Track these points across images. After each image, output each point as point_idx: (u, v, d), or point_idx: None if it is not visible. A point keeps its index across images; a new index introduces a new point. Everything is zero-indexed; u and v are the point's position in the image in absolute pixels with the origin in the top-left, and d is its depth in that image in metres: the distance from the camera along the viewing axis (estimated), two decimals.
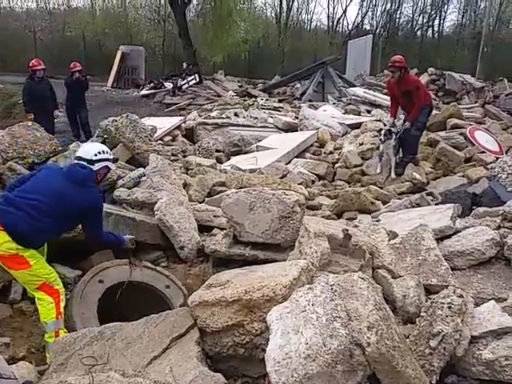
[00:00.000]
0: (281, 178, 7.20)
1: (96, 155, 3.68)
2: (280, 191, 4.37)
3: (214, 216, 5.20)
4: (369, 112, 13.89)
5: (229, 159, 9.75)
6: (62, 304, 3.26)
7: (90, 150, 3.76)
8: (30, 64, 9.57)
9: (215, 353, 2.88)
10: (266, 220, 4.24)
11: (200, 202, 5.95)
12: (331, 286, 2.43)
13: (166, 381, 2.57)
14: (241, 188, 6.28)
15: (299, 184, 7.04)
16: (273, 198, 4.27)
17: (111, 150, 7.24)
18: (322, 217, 5.05)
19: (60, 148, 6.61)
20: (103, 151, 3.77)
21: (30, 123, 6.37)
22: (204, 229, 5.16)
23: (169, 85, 19.61)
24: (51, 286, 3.24)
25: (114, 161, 3.93)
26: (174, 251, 4.58)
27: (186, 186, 6.32)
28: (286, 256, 4.17)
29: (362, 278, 2.43)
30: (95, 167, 3.65)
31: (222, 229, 5.11)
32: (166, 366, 2.67)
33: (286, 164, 8.33)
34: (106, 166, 3.78)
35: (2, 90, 15.82)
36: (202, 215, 5.26)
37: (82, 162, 3.64)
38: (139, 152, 7.01)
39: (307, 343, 2.14)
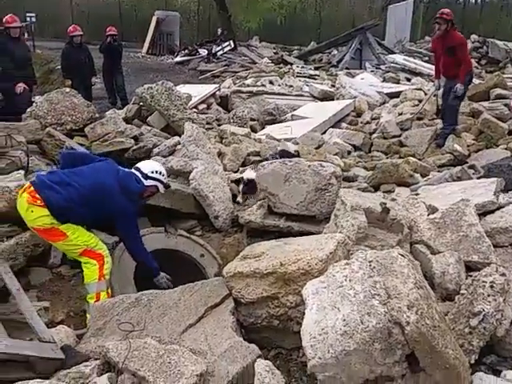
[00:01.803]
0: (316, 148, 7.10)
1: (152, 173, 3.74)
2: (316, 162, 4.29)
3: None
4: (408, 80, 13.44)
5: (263, 128, 9.65)
6: (106, 266, 3.35)
7: (149, 166, 3.84)
8: (68, 30, 9.61)
9: (249, 323, 2.90)
10: (301, 192, 4.19)
11: (234, 172, 5.93)
12: (369, 262, 2.38)
13: (201, 349, 2.60)
14: (275, 158, 6.25)
15: (334, 155, 6.93)
16: (308, 169, 4.20)
17: (146, 117, 7.37)
18: (358, 189, 4.95)
19: (97, 115, 6.66)
20: (160, 172, 3.82)
21: (67, 89, 6.41)
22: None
23: (203, 51, 19.42)
24: (94, 251, 3.32)
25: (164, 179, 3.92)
26: (208, 220, 4.59)
27: (220, 155, 6.30)
28: (321, 228, 4.12)
29: (402, 255, 2.37)
30: (147, 182, 3.69)
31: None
32: (201, 334, 2.70)
33: (322, 134, 8.18)
34: (156, 187, 3.80)
35: (40, 56, 16.04)
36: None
37: (137, 174, 3.70)
38: (174, 120, 7.01)
39: (344, 320, 2.11)
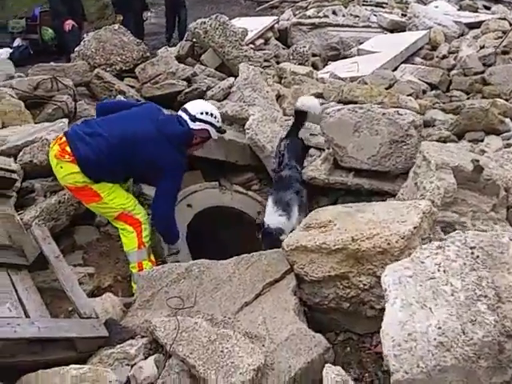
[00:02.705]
0: (387, 88, 6.36)
1: (202, 114, 3.20)
2: (392, 110, 3.70)
3: (311, 134, 4.65)
4: (487, 8, 11.90)
5: (326, 65, 8.89)
6: (146, 233, 3.02)
7: (198, 106, 3.31)
8: None
9: (314, 303, 2.52)
10: (373, 144, 3.64)
11: None
12: (471, 248, 1.88)
13: (258, 333, 2.26)
14: (341, 101, 5.63)
15: (408, 95, 6.17)
16: (383, 118, 3.63)
17: (199, 56, 6.86)
18: (440, 138, 4.32)
19: (148, 54, 6.24)
20: (211, 113, 3.26)
21: (116, 26, 6.00)
22: None
23: None
24: (131, 216, 2.98)
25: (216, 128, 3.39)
26: (266, 173, 4.17)
27: (279, 97, 5.75)
28: (395, 187, 3.61)
29: None
30: (195, 125, 3.17)
31: (319, 149, 4.59)
32: (258, 315, 2.35)
33: (393, 71, 7.35)
34: (207, 131, 3.25)
35: None
36: None
37: (184, 116, 3.19)
38: (229, 58, 6.48)
39: (440, 327, 1.66)
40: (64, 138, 2.89)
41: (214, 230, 3.62)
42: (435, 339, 1.65)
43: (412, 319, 1.77)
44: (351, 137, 3.72)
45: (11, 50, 9.43)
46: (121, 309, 2.63)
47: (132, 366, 2.21)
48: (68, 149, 2.86)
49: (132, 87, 5.63)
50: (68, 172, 2.91)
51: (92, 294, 2.77)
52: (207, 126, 3.24)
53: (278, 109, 4.70)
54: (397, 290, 1.92)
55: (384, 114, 3.63)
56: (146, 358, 2.25)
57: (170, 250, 3.26)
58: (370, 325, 2.42)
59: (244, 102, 4.55)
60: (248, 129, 4.12)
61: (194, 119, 3.17)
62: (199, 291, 2.53)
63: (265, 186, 4.17)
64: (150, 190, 3.61)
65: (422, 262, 1.98)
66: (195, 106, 3.27)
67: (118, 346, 2.27)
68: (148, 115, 3.14)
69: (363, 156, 3.69)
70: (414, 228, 2.35)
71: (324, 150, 4.36)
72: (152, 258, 3.08)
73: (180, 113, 3.25)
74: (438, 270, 1.90)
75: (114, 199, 2.98)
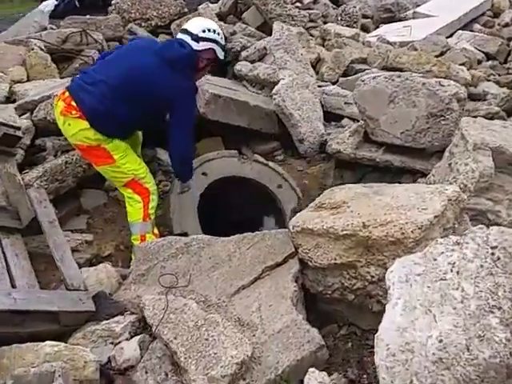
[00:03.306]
0: (438, 56, 5.84)
1: (204, 31, 2.88)
2: (433, 80, 3.31)
3: (346, 103, 4.32)
4: None
5: (377, 27, 8.32)
6: (152, 204, 2.86)
7: (199, 23, 2.99)
8: None
9: (317, 291, 2.30)
10: (409, 117, 3.31)
11: (333, 83, 5.04)
12: (492, 248, 1.60)
13: (251, 321, 2.08)
14: (385, 68, 5.21)
15: (461, 65, 5.65)
16: (422, 88, 3.26)
17: (241, 14, 6.53)
18: (487, 114, 3.89)
19: (185, 10, 5.99)
20: (214, 30, 2.93)
21: None
22: (331, 117, 4.34)
23: None
24: (141, 184, 2.82)
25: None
26: (292, 143, 3.91)
27: (319, 61, 5.39)
28: (429, 166, 3.28)
29: None
30: (199, 46, 2.86)
31: (353, 119, 4.27)
32: (253, 301, 2.17)
33: (447, 37, 6.76)
34: (212, 51, 2.93)
35: None
36: (331, 101, 4.41)
37: (185, 38, 2.89)
38: (272, 17, 6.11)
39: (441, 340, 1.41)
40: (67, 93, 2.72)
41: (228, 202, 3.43)
42: (434, 354, 1.40)
43: (413, 326, 1.53)
44: (385, 108, 3.39)
45: (56, 2, 9.35)
46: (117, 280, 2.51)
47: (116, 345, 2.10)
48: (73, 103, 2.69)
49: None
50: (77, 129, 2.73)
51: (90, 263, 2.67)
52: (212, 45, 2.92)
53: (312, 74, 4.37)
54: (401, 289, 1.67)
55: (424, 83, 3.26)
56: (131, 337, 2.14)
57: (182, 187, 3.19)
58: (376, 320, 2.17)
59: (277, 64, 4.24)
60: (275, 94, 3.86)
61: (196, 39, 2.86)
62: (196, 269, 2.37)
63: (290, 156, 3.91)
64: (164, 155, 3.46)
65: (435, 259, 1.71)
66: (196, 25, 2.95)
67: (104, 322, 2.16)
68: (144, 47, 2.90)
69: (396, 130, 3.37)
70: (435, 217, 2.06)
71: (359, 121, 4.05)
72: (156, 230, 2.93)
73: (180, 35, 2.94)
74: (451, 271, 1.63)
75: (126, 163, 2.82)
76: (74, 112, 2.67)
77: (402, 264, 1.78)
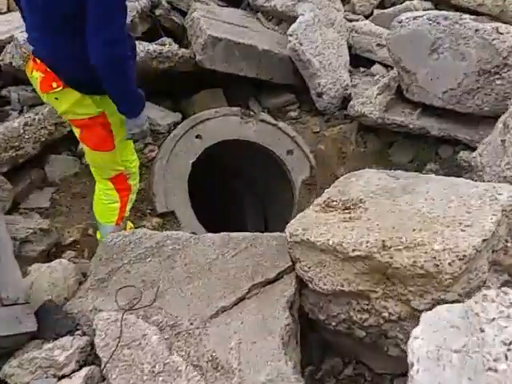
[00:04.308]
0: None
1: None
2: (489, 25, 2.57)
3: (379, 45, 3.57)
4: None
5: None
6: (129, 206, 2.28)
7: None
8: None
9: (318, 319, 1.80)
10: (455, 72, 2.62)
11: (366, 17, 4.24)
12: None
13: (226, 362, 1.60)
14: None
15: None
16: (474, 36, 2.54)
17: None
18: None
19: None
20: None
21: None
22: (360, 62, 3.62)
23: None
24: (126, 180, 2.21)
25: None
26: (309, 97, 3.26)
27: None
28: (475, 136, 2.64)
29: None
30: None
31: (385, 66, 3.55)
32: (234, 332, 1.68)
33: None
34: None
35: None
36: (361, 41, 3.66)
37: None
38: None
39: None
40: (38, 60, 2.05)
41: (227, 172, 2.89)
42: None
43: None
44: (426, 59, 2.69)
45: None
46: (76, 280, 2.04)
47: (60, 379, 1.68)
48: (48, 67, 2.02)
49: None
50: (71, 102, 1.98)
51: (47, 254, 2.21)
52: None
53: (340, 7, 3.59)
54: (429, 373, 1.15)
55: (477, 30, 2.52)
56: (80, 367, 1.71)
57: (130, 127, 2.01)
58: (392, 364, 1.69)
59: None
60: (291, 35, 3.15)
61: None
62: (167, 278, 1.88)
63: (305, 113, 3.27)
64: (153, 110, 2.89)
65: (482, 330, 1.16)
66: None
67: (46, 347, 1.72)
68: None
69: (438, 88, 2.68)
70: (483, 241, 1.48)
71: (392, 69, 3.34)
72: (129, 226, 2.39)
73: None
74: (506, 358, 1.09)
75: (124, 150, 2.15)
76: (54, 84, 2.00)
77: (431, 324, 1.24)
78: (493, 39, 2.48)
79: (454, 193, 1.72)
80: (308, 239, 1.68)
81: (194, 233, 2.64)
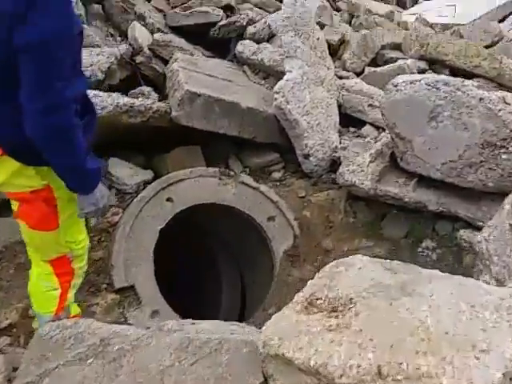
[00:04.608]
0: (488, 46, 4.79)
1: None
2: (495, 94, 2.35)
3: (370, 105, 3.36)
4: None
5: (416, 3, 7.22)
6: (73, 292, 1.91)
7: None
8: None
9: None
10: (456, 143, 2.38)
11: (357, 74, 4.06)
12: None
13: None
14: (423, 59, 4.21)
15: None
16: (479, 105, 2.32)
17: None
18: None
19: None
20: None
21: None
22: (350, 122, 3.40)
23: None
24: (69, 262, 1.84)
25: None
26: (294, 157, 3.00)
27: (342, 43, 4.40)
28: (478, 214, 2.39)
29: None
30: None
31: (377, 127, 3.32)
32: None
33: (500, 22, 5.66)
34: None
35: None
36: (352, 100, 3.44)
37: None
38: None
39: None
40: None
41: (201, 239, 2.58)
42: None
43: None
44: (424, 127, 2.46)
45: None
46: (4, 377, 1.69)
47: None
48: None
49: (160, 11, 4.48)
50: (10, 172, 1.63)
51: None
52: None
53: (330, 64, 3.40)
54: None
55: (482, 99, 2.30)
56: None
57: (82, 204, 1.67)
58: None
59: (282, 52, 3.28)
60: (277, 93, 2.91)
61: None
62: None
63: (290, 174, 3.00)
64: (119, 168, 2.60)
65: None
66: None
67: None
68: None
69: (436, 159, 2.44)
70: (504, 375, 1.17)
71: (384, 130, 3.12)
72: (73, 311, 2.00)
73: None
74: None
75: (70, 229, 1.80)
76: None
77: None
78: (499, 110, 2.25)
79: (463, 299, 1.41)
80: (284, 354, 1.35)
81: (155, 311, 2.33)
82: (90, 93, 2.36)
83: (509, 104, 2.28)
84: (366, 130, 3.29)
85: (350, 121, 3.39)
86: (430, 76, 2.57)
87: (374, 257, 2.29)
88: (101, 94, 2.49)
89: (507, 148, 2.27)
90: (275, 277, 2.61)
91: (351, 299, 1.50)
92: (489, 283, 1.87)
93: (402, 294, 1.49)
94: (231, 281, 2.98)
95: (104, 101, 2.43)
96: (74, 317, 1.99)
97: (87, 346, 1.62)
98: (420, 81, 2.51)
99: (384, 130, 3.13)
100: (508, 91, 3.96)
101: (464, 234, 2.34)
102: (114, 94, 2.59)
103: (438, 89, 2.41)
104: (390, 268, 1.65)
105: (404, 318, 1.37)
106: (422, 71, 4.15)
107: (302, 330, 1.41)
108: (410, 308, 1.41)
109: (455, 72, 4.20)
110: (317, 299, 1.54)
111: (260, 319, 2.44)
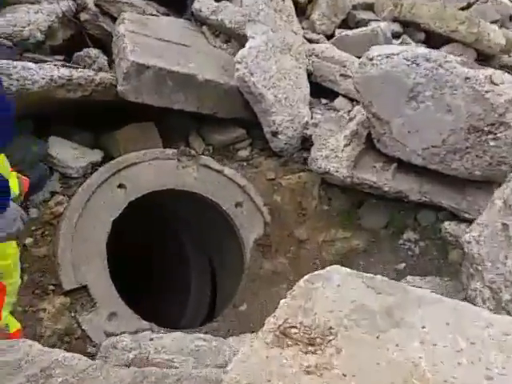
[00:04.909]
0: (464, 8, 4.55)
1: None
2: (482, 73, 2.13)
3: (342, 75, 3.09)
4: None
5: None
6: (7, 312, 1.64)
7: None
8: None
9: None
10: (438, 126, 2.18)
11: (328, 37, 3.76)
12: None
13: None
14: (397, 21, 3.95)
15: (492, 23, 4.39)
16: (464, 85, 2.10)
17: None
18: None
19: None
20: None
21: None
22: (321, 93, 3.13)
23: None
24: None
25: None
26: (261, 133, 2.73)
27: (310, 2, 4.05)
28: (463, 204, 2.23)
29: None
30: None
31: (351, 99, 3.07)
32: None
33: None
34: None
35: None
36: (323, 68, 3.17)
37: None
38: None
39: None
40: None
41: (159, 232, 2.32)
42: None
43: None
44: (403, 107, 2.24)
45: None
46: None
47: None
48: None
49: None
50: None
51: None
52: None
53: (298, 29, 3.08)
54: None
55: (468, 78, 2.08)
56: None
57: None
58: None
59: (245, 14, 2.93)
60: (239, 63, 2.60)
61: None
62: None
63: (258, 153, 2.74)
64: (62, 150, 2.27)
65: None
66: None
67: None
68: None
69: (417, 143, 2.24)
70: None
71: (358, 103, 2.87)
72: (13, 328, 1.72)
73: None
74: None
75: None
76: None
77: None
78: (486, 91, 2.05)
79: (460, 332, 1.24)
80: None
81: (113, 313, 2.10)
82: (18, 64, 2.01)
83: (496, 84, 2.07)
84: (339, 102, 3.04)
85: (321, 90, 3.12)
86: (409, 49, 2.32)
87: (352, 250, 2.12)
88: (30, 65, 2.12)
89: (495, 134, 2.08)
90: (246, 269, 2.42)
91: (330, 328, 1.31)
92: (482, 291, 1.71)
93: (389, 324, 1.30)
94: (199, 266, 2.78)
95: (35, 74, 2.06)
96: (14, 334, 1.75)
97: (26, 376, 1.39)
98: (398, 55, 2.26)
99: (358, 102, 2.89)
100: (486, 58, 3.82)
101: (449, 226, 2.19)
102: (47, 66, 2.20)
103: (417, 65, 2.18)
104: (373, 286, 1.45)
105: (394, 360, 1.19)
106: (396, 35, 3.90)
107: (274, 371, 1.20)
108: (399, 344, 1.23)
109: (430, 36, 3.98)
110: (291, 327, 1.33)
111: (230, 316, 2.26)
